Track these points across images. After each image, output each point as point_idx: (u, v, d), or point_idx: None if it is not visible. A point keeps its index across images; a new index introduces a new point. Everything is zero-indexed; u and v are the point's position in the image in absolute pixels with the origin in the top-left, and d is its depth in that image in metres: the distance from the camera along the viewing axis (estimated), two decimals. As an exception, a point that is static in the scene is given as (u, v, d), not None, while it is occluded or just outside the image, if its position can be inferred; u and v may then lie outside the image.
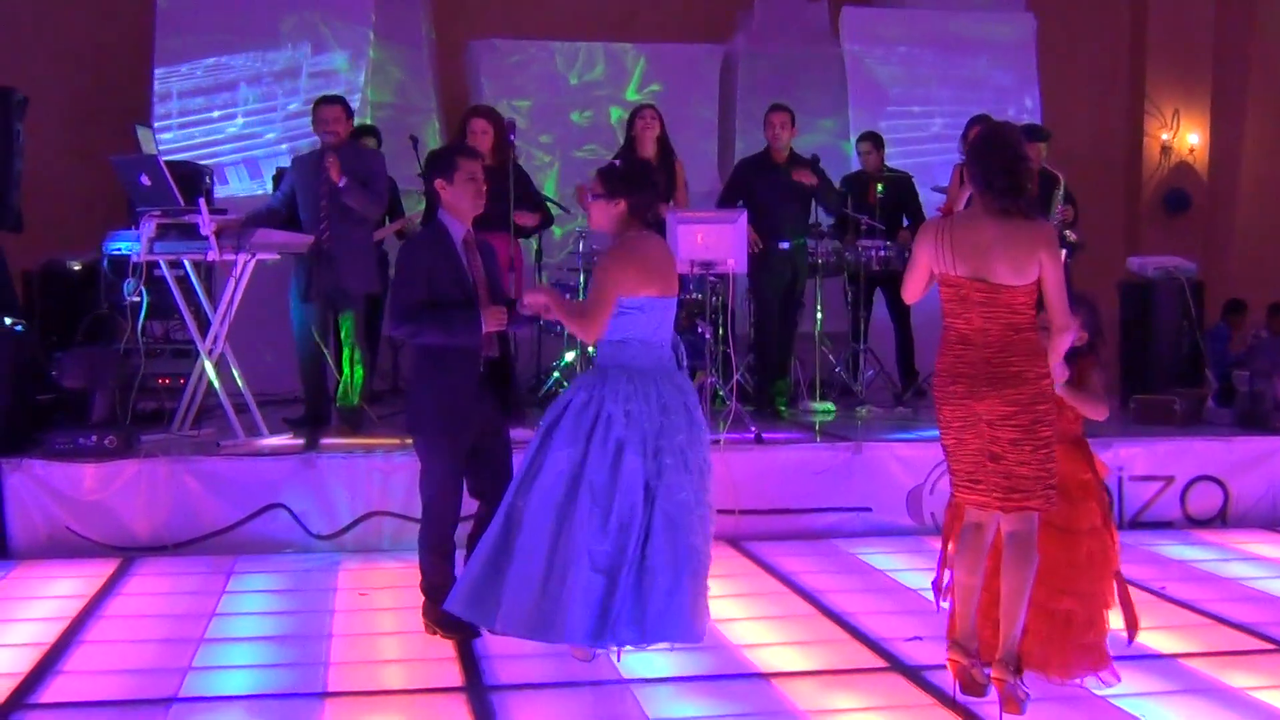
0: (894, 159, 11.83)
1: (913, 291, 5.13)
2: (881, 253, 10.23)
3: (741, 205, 9.25)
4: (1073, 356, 5.15)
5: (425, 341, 5.69)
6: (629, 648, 5.25)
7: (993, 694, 4.91)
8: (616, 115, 12.51)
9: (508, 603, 5.17)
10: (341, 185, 8.33)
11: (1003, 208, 4.84)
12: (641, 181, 5.48)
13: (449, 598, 5.37)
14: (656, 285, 5.29)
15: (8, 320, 7.92)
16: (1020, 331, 4.84)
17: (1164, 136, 14.62)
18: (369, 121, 11.20)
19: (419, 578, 5.87)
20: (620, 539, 5.08)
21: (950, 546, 5.18)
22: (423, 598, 5.88)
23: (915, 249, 5.07)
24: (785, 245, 9.35)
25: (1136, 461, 8.40)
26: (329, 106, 8.66)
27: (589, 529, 5.08)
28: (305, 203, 8.58)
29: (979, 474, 4.90)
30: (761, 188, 9.41)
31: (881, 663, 5.53)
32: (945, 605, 5.22)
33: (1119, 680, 5.09)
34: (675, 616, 5.07)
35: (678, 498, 5.16)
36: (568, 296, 9.87)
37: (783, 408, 9.56)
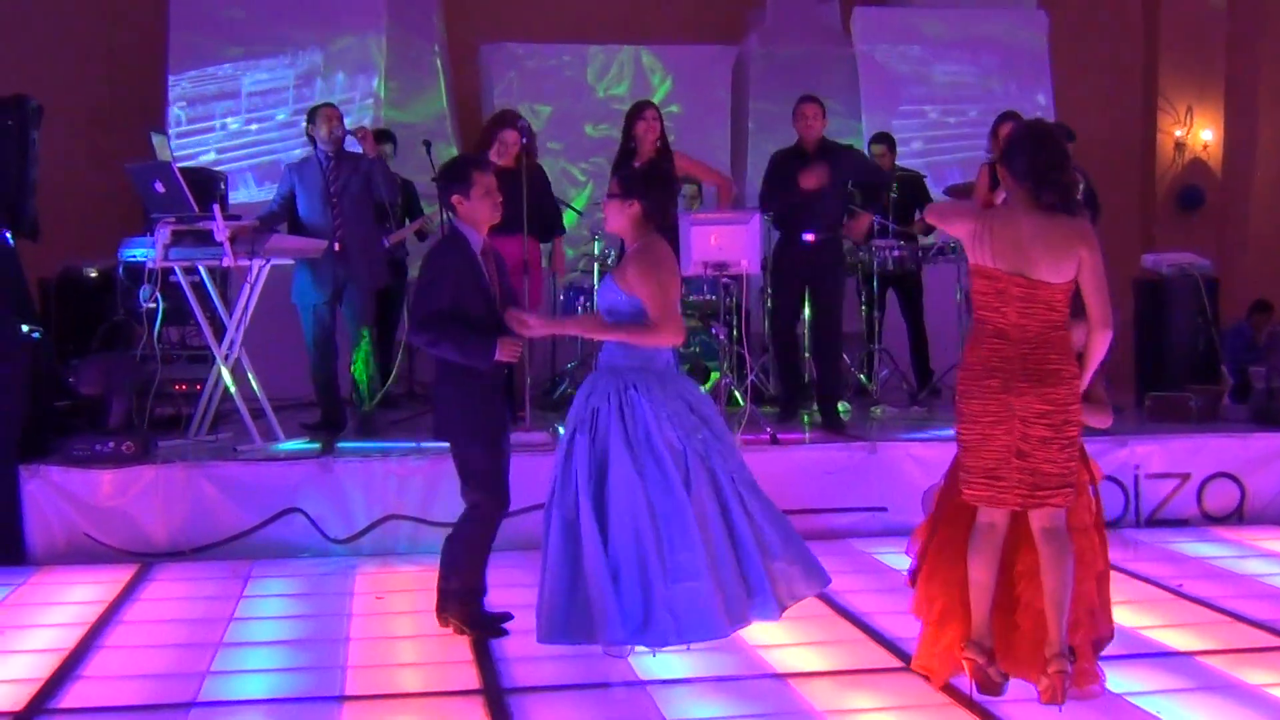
0: (906, 159, 11.84)
1: (938, 218, 5.21)
2: (895, 253, 10.22)
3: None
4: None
5: (439, 355, 5.74)
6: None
7: (1009, 693, 4.91)
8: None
9: (543, 611, 5.25)
10: (374, 157, 8.64)
11: (1048, 204, 4.82)
12: (656, 184, 5.54)
13: (543, 631, 5.32)
14: (677, 290, 5.51)
15: (25, 327, 7.95)
16: (1057, 329, 4.84)
17: (1177, 133, 14.59)
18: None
19: (445, 579, 5.87)
20: (703, 532, 5.20)
21: (924, 538, 5.22)
22: (437, 599, 5.91)
23: (956, 217, 5.05)
24: (809, 236, 9.14)
25: (1152, 459, 8.38)
26: (332, 108, 8.88)
27: (671, 528, 5.19)
28: (310, 204, 8.65)
29: (1001, 470, 4.87)
30: (793, 178, 9.23)
31: (898, 662, 5.52)
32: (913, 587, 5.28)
33: (1100, 690, 5.04)
34: (805, 564, 5.42)
35: (740, 475, 5.38)
36: (582, 302, 9.99)
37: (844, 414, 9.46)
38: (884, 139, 11.13)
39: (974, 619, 4.99)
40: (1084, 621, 5.05)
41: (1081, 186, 9.26)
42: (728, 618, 5.22)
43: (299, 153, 9.14)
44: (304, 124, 9.03)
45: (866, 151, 10.63)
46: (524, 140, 8.55)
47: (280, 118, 12.02)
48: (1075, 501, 5.00)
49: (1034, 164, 4.83)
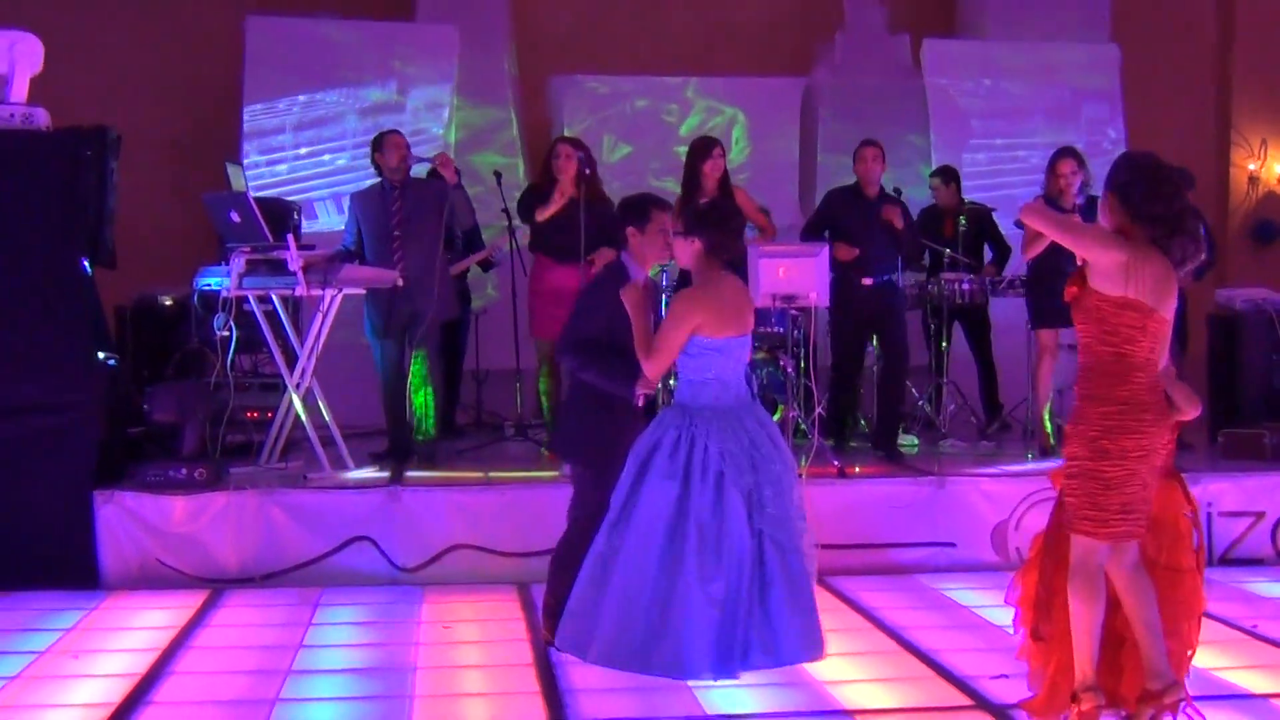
0: (976, 192, 11.78)
1: (1076, 237, 5.08)
2: (964, 285, 10.18)
3: (826, 236, 9.22)
4: None
5: (584, 379, 5.87)
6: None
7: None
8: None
9: (609, 636, 5.23)
10: (455, 183, 8.67)
11: (1178, 255, 4.84)
12: (718, 221, 5.57)
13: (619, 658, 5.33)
14: (733, 327, 5.43)
15: (101, 355, 8.06)
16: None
17: (1251, 166, 14.43)
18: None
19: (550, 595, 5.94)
20: (732, 573, 5.16)
21: (1032, 587, 5.17)
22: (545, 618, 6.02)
23: (1104, 243, 4.88)
24: (869, 281, 9.20)
25: (1225, 497, 8.27)
26: (400, 135, 8.90)
27: (699, 564, 5.15)
28: (373, 235, 8.68)
29: (1135, 504, 4.88)
30: (851, 220, 9.26)
31: (967, 700, 5.49)
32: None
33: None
34: (803, 637, 5.26)
35: (785, 525, 5.29)
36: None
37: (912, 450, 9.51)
38: (941, 172, 11.10)
39: (1089, 661, 4.95)
40: (1184, 662, 5.04)
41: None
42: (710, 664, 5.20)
43: (367, 183, 9.17)
44: (370, 155, 9.00)
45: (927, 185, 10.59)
46: (585, 170, 8.58)
47: (354, 148, 12.12)
48: (1182, 542, 5.01)
49: (1168, 203, 4.82)
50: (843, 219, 9.31)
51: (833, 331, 9.55)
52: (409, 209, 8.63)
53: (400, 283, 8.44)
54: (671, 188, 9.55)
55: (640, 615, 5.18)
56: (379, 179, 8.88)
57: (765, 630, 5.21)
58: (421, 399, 8.74)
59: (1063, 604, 5.02)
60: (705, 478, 5.24)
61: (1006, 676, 5.64)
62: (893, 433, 9.33)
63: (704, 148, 9.08)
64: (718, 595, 5.13)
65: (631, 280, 5.69)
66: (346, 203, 9.21)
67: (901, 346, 9.43)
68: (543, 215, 8.80)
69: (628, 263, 5.92)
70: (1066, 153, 9.04)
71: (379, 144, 8.84)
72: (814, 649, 5.33)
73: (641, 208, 5.97)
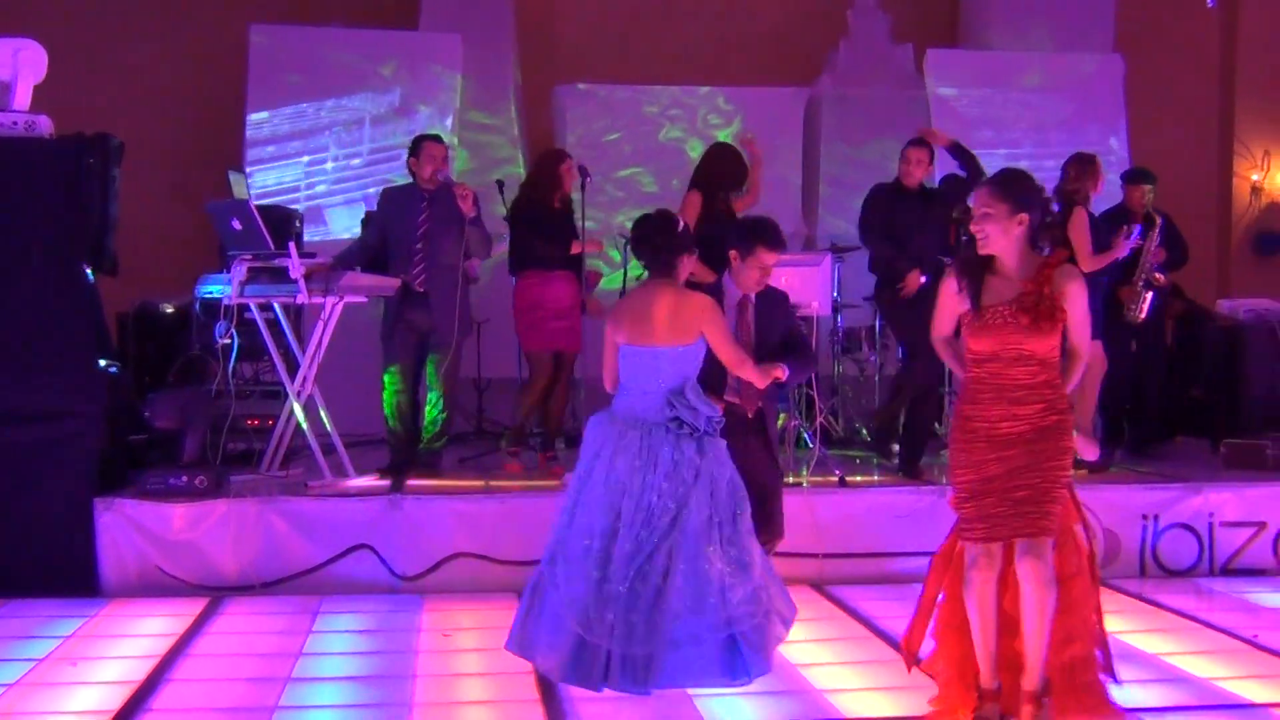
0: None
1: None
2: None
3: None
4: None
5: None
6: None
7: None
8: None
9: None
10: (473, 217, 8.44)
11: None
12: (637, 240, 5.68)
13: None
14: (624, 333, 5.44)
15: (103, 362, 8.06)
16: None
17: (1254, 177, 14.42)
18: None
19: None
20: (610, 579, 5.15)
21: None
22: None
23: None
24: (926, 280, 8.90)
25: (1227, 507, 8.26)
26: (438, 144, 8.77)
27: (568, 565, 5.24)
28: (398, 240, 8.62)
29: (978, 509, 5.12)
30: (901, 216, 9.04)
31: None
32: None
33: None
34: (688, 664, 5.11)
35: (694, 551, 5.18)
36: None
37: None
38: (953, 180, 11.07)
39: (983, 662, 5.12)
40: (1093, 660, 5.10)
41: (1156, 232, 9.26)
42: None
43: (398, 179, 9.01)
44: (406, 154, 8.87)
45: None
46: (584, 180, 8.56)
47: (357, 157, 12.14)
48: (1064, 551, 5.06)
49: None
50: (893, 214, 9.06)
51: (899, 336, 9.40)
52: (435, 221, 8.55)
53: (419, 289, 8.44)
54: (675, 197, 9.53)
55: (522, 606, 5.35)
56: (410, 180, 8.80)
57: (633, 647, 5.09)
58: (432, 404, 8.71)
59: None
60: (606, 486, 5.27)
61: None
62: (921, 452, 9.07)
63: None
64: (577, 596, 5.14)
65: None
66: (362, 208, 9.09)
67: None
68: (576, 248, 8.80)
69: (727, 282, 6.19)
70: (1083, 160, 9.00)
71: (416, 149, 8.73)
72: (704, 677, 5.18)
73: (750, 239, 6.18)
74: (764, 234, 6.21)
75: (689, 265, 5.63)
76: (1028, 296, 4.89)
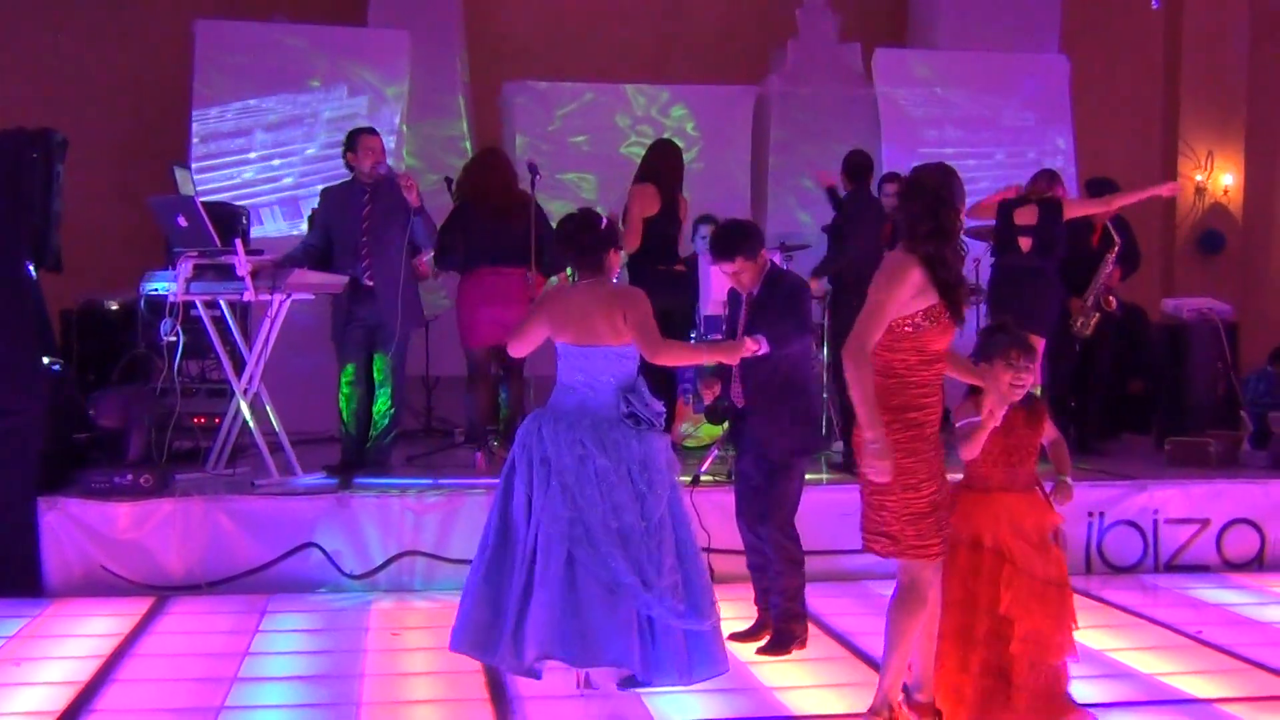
0: (927, 200, 11.82)
1: None
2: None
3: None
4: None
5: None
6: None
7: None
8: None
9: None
10: (418, 207, 8.35)
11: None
12: (561, 240, 5.72)
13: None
14: (568, 335, 5.45)
15: (46, 360, 7.98)
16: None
17: (1198, 178, 14.57)
18: (397, 163, 11.32)
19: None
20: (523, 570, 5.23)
21: None
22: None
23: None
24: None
25: (1172, 504, 8.35)
26: (373, 136, 8.66)
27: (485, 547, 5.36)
28: (342, 237, 8.53)
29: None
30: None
31: (915, 706, 5.49)
32: None
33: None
34: (574, 643, 5.16)
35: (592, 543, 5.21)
36: None
37: None
38: (894, 178, 11.11)
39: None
40: (1064, 671, 5.11)
41: (1114, 254, 9.43)
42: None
43: (339, 182, 8.97)
44: (342, 150, 8.75)
45: (877, 191, 10.55)
46: (533, 176, 8.53)
47: (304, 153, 12.07)
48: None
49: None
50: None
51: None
52: (378, 215, 8.46)
53: (368, 284, 8.40)
54: (620, 195, 9.54)
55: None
56: (349, 177, 8.70)
57: (525, 629, 5.16)
58: (382, 402, 8.64)
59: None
60: (525, 479, 5.35)
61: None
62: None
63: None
64: (478, 572, 5.30)
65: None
66: (309, 205, 9.05)
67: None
68: None
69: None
70: (1046, 177, 9.24)
71: (352, 143, 8.60)
72: (586, 658, 5.20)
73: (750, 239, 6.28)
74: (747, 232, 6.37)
75: (616, 261, 5.67)
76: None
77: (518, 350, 5.70)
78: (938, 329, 4.76)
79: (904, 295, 4.69)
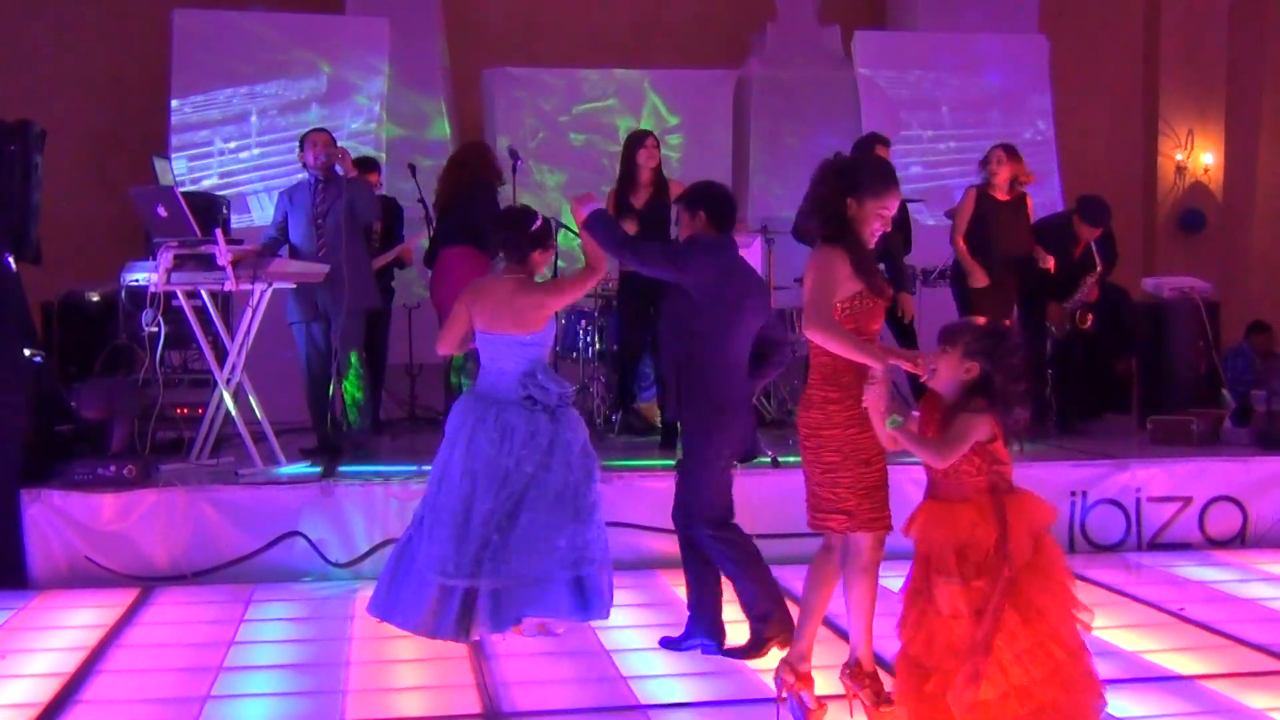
0: (907, 183, 11.84)
1: None
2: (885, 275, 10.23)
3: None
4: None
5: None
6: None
7: None
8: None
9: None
10: (353, 178, 8.60)
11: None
12: (492, 228, 6.17)
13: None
14: (483, 320, 5.76)
15: (27, 351, 7.96)
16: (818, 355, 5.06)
17: (1178, 156, 14.62)
18: (378, 152, 11.34)
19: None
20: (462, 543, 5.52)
21: None
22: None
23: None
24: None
25: (1154, 482, 8.38)
26: (320, 133, 8.87)
27: (444, 534, 5.59)
28: (298, 227, 8.64)
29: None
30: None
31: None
32: None
33: None
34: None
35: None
36: (584, 326, 10.04)
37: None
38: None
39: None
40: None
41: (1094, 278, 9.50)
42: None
43: (298, 177, 9.12)
44: (296, 149, 9.00)
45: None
46: (514, 162, 8.61)
47: (283, 143, 12.05)
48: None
49: None
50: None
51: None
52: (330, 202, 8.56)
53: (324, 265, 8.41)
54: (607, 184, 9.55)
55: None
56: (305, 175, 8.84)
57: (487, 582, 5.46)
58: (352, 395, 8.66)
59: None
60: (455, 456, 5.70)
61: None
62: None
63: (638, 139, 9.16)
64: (436, 554, 5.52)
65: None
66: (275, 197, 9.14)
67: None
68: None
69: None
70: (1004, 149, 9.25)
71: (302, 143, 8.85)
72: (555, 611, 5.49)
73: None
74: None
75: (542, 260, 5.94)
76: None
77: (442, 346, 6.00)
78: (866, 314, 4.91)
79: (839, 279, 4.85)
